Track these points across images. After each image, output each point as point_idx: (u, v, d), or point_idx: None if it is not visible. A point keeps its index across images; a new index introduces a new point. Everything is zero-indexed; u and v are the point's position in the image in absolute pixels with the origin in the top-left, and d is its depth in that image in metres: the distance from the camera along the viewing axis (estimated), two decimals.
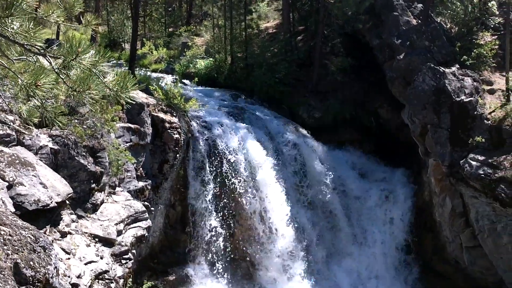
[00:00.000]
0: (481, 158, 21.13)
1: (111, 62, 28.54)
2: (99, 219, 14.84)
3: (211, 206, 22.09)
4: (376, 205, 25.14)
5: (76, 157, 14.72)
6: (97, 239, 14.07)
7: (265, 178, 22.93)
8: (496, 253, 21.43)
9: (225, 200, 22.40)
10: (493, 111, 21.94)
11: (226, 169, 22.41)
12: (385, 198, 25.17)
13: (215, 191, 22.20)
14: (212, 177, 22.17)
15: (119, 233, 15.03)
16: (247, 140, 23.24)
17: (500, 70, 23.87)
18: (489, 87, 23.28)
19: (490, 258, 21.73)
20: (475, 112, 21.92)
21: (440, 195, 23.07)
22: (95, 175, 15.09)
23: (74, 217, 14.11)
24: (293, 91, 27.50)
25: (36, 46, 6.48)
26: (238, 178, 22.50)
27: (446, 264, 23.65)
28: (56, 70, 6.44)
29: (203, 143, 22.41)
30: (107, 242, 14.37)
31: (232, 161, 22.56)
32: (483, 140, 21.27)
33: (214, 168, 22.30)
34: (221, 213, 22.35)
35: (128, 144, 18.12)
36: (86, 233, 14.03)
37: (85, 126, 15.56)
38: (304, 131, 25.92)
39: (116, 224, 15.09)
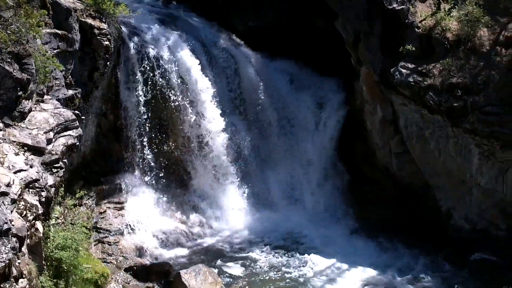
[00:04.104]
0: (411, 66, 21.45)
1: None
2: (27, 128, 14.44)
3: (143, 115, 21.87)
4: (309, 114, 25.39)
5: (0, 64, 14.14)
6: (26, 148, 13.74)
7: (199, 86, 22.75)
8: (424, 158, 22.19)
9: (158, 108, 22.21)
10: (424, 19, 22.10)
11: (158, 77, 22.08)
12: (318, 107, 25.42)
13: (147, 99, 21.92)
14: (144, 85, 21.83)
15: (49, 141, 14.70)
16: (179, 48, 22.83)
17: None
18: None
19: (418, 163, 22.49)
20: (406, 20, 22.03)
21: (371, 103, 23.47)
22: (22, 82, 14.55)
23: (1, 125, 13.73)
24: None
25: None
26: (171, 86, 22.26)
27: (376, 170, 24.37)
28: None
29: (134, 50, 21.90)
30: (36, 150, 14.05)
31: (164, 68, 22.22)
32: (414, 48, 21.50)
33: (146, 76, 21.91)
34: (154, 122, 22.19)
35: (55, 51, 17.45)
36: (14, 141, 13.67)
37: (9, 32, 14.83)
38: (238, 40, 25.65)
39: (46, 132, 14.72)
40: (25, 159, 13.29)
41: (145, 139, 22.04)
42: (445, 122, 20.93)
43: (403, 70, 21.45)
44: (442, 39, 21.40)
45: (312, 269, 20.44)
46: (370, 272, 20.18)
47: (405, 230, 22.29)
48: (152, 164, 22.24)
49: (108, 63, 20.34)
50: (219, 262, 20.57)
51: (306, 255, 21.19)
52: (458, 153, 21.10)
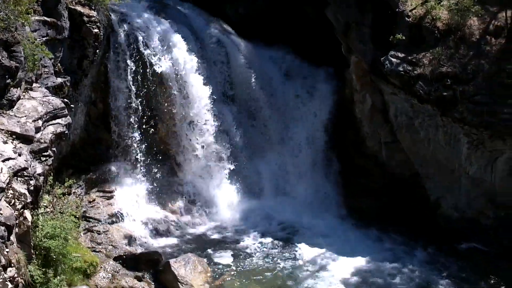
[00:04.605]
0: (401, 55, 21.46)
1: None
2: (16, 116, 14.36)
3: (133, 103, 21.78)
4: (299, 102, 25.41)
5: None
6: (14, 136, 13.68)
7: (188, 74, 22.70)
8: (413, 147, 22.25)
9: (147, 97, 22.16)
10: (414, 8, 22.07)
11: (148, 64, 21.97)
12: (309, 95, 25.42)
13: (137, 87, 21.83)
14: (133, 73, 21.72)
15: (38, 130, 14.64)
16: (169, 36, 22.76)
17: None
18: None
19: (407, 152, 22.55)
20: (397, 9, 22.03)
21: (361, 92, 23.50)
22: (10, 70, 14.44)
23: None
24: None
25: None
26: (160, 73, 22.17)
27: (366, 160, 24.41)
28: None
29: (123, 38, 21.79)
30: (25, 139, 14.00)
31: (154, 56, 22.13)
32: (404, 37, 21.49)
33: (136, 64, 21.80)
34: (144, 110, 22.13)
35: (44, 39, 17.28)
36: (2, 130, 13.62)
37: None
38: (229, 28, 25.56)
39: (34, 120, 14.65)
40: (13, 148, 13.23)
41: (135, 128, 21.98)
42: (435, 112, 20.97)
43: (393, 59, 21.45)
44: (432, 28, 21.41)
45: (302, 258, 20.53)
46: (360, 261, 20.28)
47: (394, 219, 22.39)
48: (142, 152, 22.17)
49: (97, 51, 20.22)
50: (208, 251, 20.58)
51: (296, 244, 21.30)
52: (447, 143, 21.16)
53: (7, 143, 13.22)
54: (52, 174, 15.67)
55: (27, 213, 12.86)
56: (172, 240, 21.20)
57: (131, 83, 21.69)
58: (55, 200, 16.19)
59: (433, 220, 22.02)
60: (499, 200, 20.56)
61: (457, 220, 21.60)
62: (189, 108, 22.91)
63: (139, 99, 21.90)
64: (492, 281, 18.83)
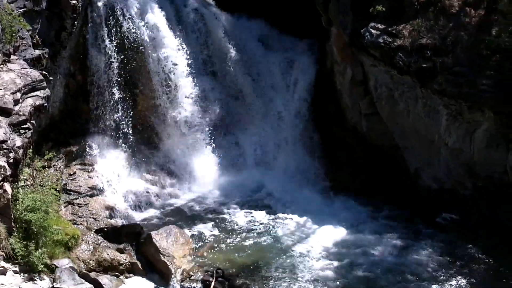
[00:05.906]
0: (381, 26, 21.42)
1: None
2: None
3: (112, 75, 21.63)
4: (279, 74, 25.34)
5: None
6: None
7: (167, 45, 22.59)
8: (393, 119, 22.33)
9: (126, 68, 22.03)
10: None
11: (126, 36, 21.81)
12: (289, 67, 25.38)
13: (116, 59, 21.68)
14: (112, 45, 21.54)
15: (16, 102, 14.59)
16: (147, 6, 22.55)
17: None
18: None
19: (387, 124, 22.64)
20: None
21: (342, 64, 23.49)
22: None
23: None
24: None
25: None
26: (139, 45, 22.04)
27: (346, 132, 24.48)
28: None
29: (102, 9, 21.55)
30: (3, 111, 14.01)
31: (132, 27, 21.95)
32: (384, 9, 21.44)
33: (114, 36, 21.61)
34: (123, 82, 22.00)
35: (22, 10, 17.13)
36: None
37: None
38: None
39: (13, 93, 14.61)
40: None
41: (114, 100, 21.84)
42: (414, 83, 21.02)
43: (373, 31, 21.42)
44: (412, 0, 21.39)
45: (283, 229, 20.63)
46: (340, 231, 20.42)
47: (375, 191, 22.53)
48: (122, 125, 22.03)
49: (75, 22, 20.05)
50: (190, 223, 20.60)
51: (277, 216, 21.41)
52: (426, 114, 21.26)
53: None
54: (31, 147, 15.63)
55: (7, 186, 12.84)
56: (154, 212, 21.21)
57: (109, 55, 21.52)
58: (35, 173, 16.17)
59: (413, 191, 22.19)
60: (477, 171, 20.73)
61: (436, 191, 21.79)
62: (169, 80, 22.81)
63: (118, 71, 21.77)
64: (470, 250, 19.08)
